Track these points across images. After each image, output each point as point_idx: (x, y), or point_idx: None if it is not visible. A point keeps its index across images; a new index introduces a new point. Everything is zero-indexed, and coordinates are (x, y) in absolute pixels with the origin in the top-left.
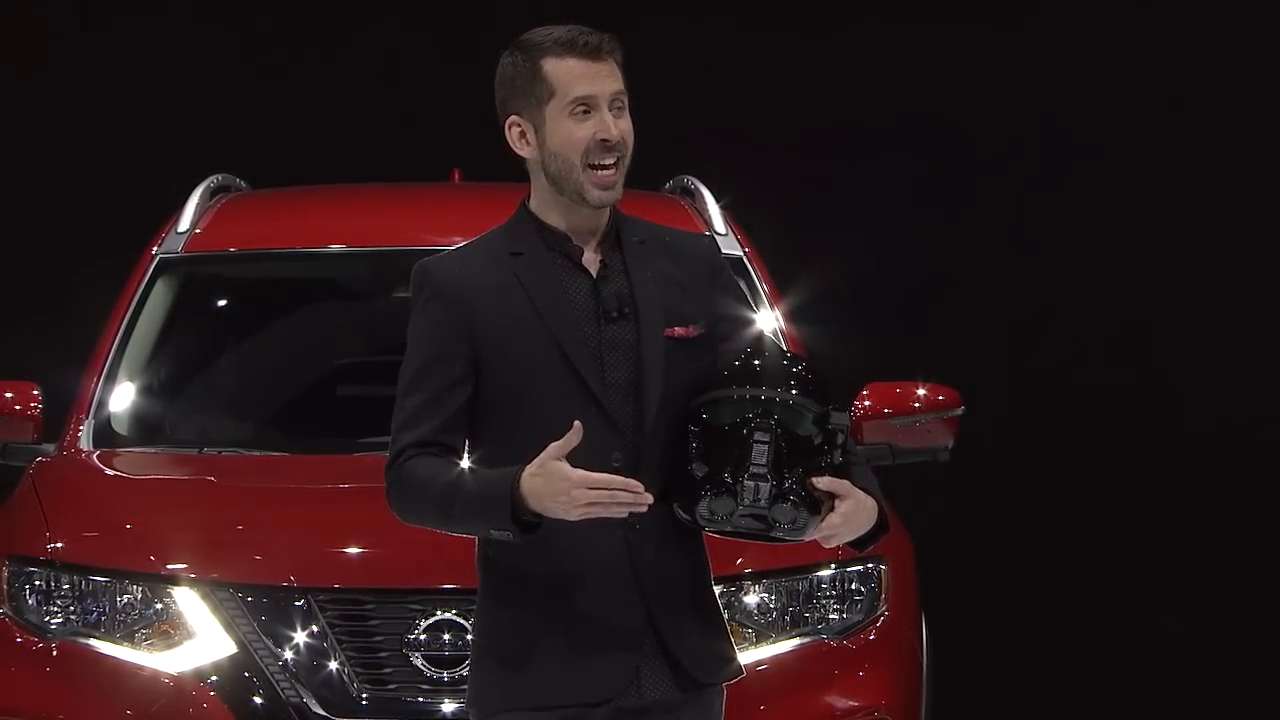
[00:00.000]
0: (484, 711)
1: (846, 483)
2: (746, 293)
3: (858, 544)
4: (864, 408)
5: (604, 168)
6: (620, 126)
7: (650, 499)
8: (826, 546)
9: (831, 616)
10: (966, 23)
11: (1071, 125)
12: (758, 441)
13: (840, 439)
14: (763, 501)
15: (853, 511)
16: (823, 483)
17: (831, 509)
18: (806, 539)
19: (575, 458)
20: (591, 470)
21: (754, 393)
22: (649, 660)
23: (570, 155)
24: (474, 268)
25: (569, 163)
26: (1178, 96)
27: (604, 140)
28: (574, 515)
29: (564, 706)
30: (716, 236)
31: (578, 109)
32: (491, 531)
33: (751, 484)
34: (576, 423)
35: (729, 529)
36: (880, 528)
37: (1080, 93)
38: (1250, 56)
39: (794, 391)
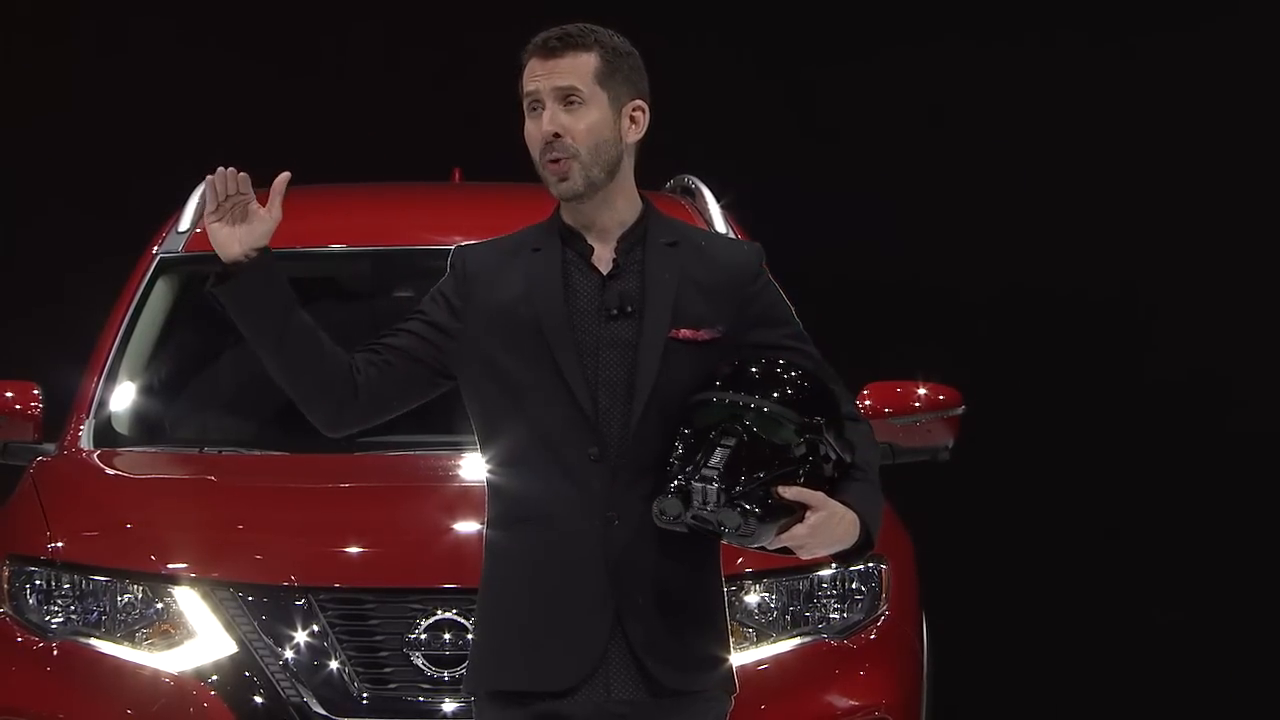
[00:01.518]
0: (471, 695)
1: (820, 495)
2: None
3: (841, 558)
4: (864, 408)
5: (553, 161)
6: (563, 120)
7: (239, 174)
8: (802, 557)
9: (832, 616)
10: (969, 34)
11: (1070, 123)
12: (721, 445)
13: (822, 450)
14: (710, 505)
15: (822, 524)
16: (789, 493)
17: (800, 519)
18: (768, 546)
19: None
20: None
21: (733, 398)
22: (618, 659)
23: (533, 152)
24: (497, 257)
25: (535, 160)
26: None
27: (544, 134)
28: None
29: (535, 697)
30: None
31: (531, 106)
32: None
33: (700, 485)
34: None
35: (681, 529)
36: (865, 545)
37: (1075, 91)
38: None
39: (774, 399)
